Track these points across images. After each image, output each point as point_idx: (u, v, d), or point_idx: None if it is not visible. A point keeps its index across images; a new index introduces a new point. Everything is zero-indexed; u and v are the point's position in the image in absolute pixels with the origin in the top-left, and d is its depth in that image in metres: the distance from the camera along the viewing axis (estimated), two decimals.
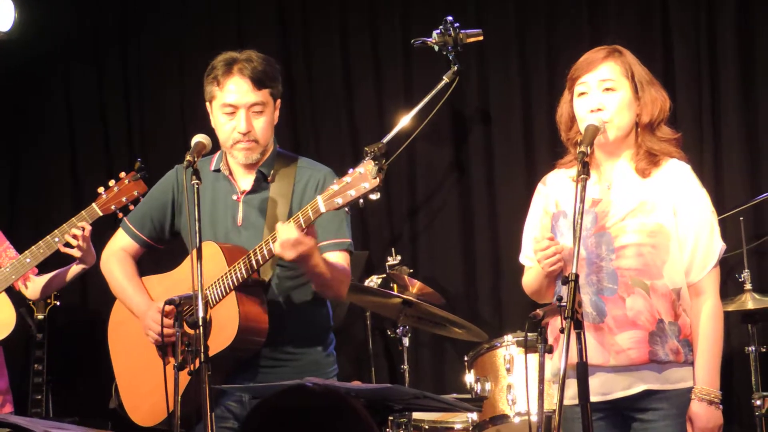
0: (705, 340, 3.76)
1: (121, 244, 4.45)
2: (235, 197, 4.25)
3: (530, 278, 4.00)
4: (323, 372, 4.20)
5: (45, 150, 7.05)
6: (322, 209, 3.81)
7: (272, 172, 4.26)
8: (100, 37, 7.06)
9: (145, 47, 7.01)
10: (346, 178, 3.77)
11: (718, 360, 3.78)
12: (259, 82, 4.16)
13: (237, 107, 4.15)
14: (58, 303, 6.07)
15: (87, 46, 7.05)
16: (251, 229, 4.19)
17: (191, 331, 3.94)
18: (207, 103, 4.27)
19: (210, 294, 4.04)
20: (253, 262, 4.00)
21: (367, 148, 3.73)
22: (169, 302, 3.90)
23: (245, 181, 4.26)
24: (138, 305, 4.32)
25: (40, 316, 6.04)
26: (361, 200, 3.77)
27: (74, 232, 4.95)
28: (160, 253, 4.52)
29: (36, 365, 6.01)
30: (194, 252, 3.76)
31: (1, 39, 6.31)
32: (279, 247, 3.88)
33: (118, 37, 7.04)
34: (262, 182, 4.25)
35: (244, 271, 4.01)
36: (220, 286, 4.04)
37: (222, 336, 3.97)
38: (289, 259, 3.90)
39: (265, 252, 3.97)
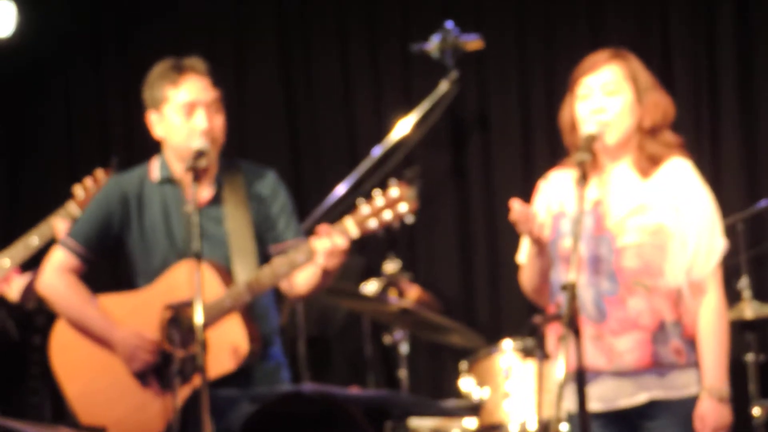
0: (712, 338, 3.73)
1: (63, 262, 4.19)
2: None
3: (524, 272, 3.95)
4: (282, 374, 4.07)
5: (44, 154, 7.03)
6: (353, 233, 3.73)
7: (223, 179, 4.15)
8: (99, 41, 7.05)
9: (145, 51, 6.99)
10: (378, 201, 3.70)
11: (726, 357, 3.74)
12: (216, 80, 4.08)
13: (196, 104, 4.02)
14: None
15: (86, 51, 7.04)
16: (212, 240, 4.05)
17: (180, 352, 3.85)
18: (152, 112, 4.11)
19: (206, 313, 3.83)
20: (261, 284, 3.91)
21: (405, 172, 3.71)
22: (167, 307, 3.86)
23: (194, 190, 3.98)
24: (106, 330, 4.10)
25: (40, 321, 6.02)
26: (394, 224, 3.69)
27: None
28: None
29: (33, 369, 6.00)
30: (188, 261, 3.74)
31: (1, 43, 6.30)
32: (322, 258, 3.78)
33: (115, 43, 7.02)
34: (217, 191, 4.13)
35: (249, 295, 3.92)
36: (217, 307, 3.92)
37: (224, 358, 3.82)
38: (332, 267, 3.81)
39: (283, 270, 3.87)
